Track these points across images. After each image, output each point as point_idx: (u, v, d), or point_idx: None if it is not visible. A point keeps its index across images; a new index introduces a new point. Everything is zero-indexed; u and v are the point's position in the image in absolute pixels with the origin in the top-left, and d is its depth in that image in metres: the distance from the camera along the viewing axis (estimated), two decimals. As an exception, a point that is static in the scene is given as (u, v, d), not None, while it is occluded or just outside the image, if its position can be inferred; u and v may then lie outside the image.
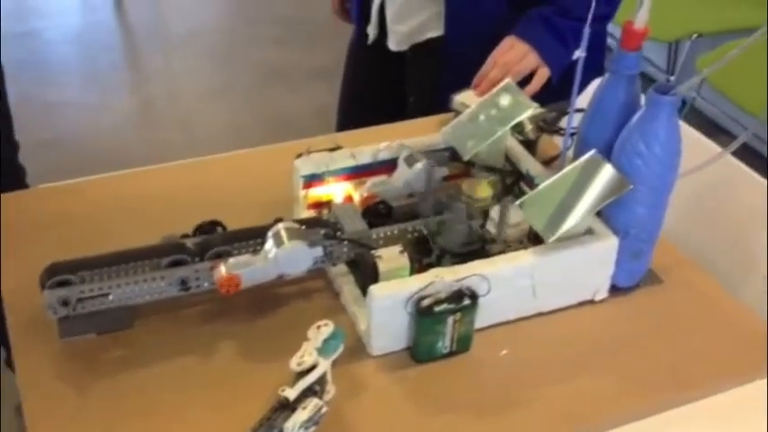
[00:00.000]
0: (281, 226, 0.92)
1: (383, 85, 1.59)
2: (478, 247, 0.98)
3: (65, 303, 0.85)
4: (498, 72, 1.25)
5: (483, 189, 1.03)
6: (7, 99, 1.56)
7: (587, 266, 0.96)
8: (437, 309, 0.87)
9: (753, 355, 0.93)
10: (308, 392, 0.79)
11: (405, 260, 0.93)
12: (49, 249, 0.91)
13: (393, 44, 1.48)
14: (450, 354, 0.91)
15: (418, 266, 0.95)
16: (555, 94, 1.20)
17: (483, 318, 0.92)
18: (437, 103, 1.29)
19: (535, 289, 0.94)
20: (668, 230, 1.02)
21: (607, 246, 0.96)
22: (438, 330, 0.88)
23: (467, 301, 0.88)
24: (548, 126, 1.18)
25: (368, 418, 0.84)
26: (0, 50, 1.55)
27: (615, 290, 1.00)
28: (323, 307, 0.96)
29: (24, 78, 3.01)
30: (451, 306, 0.87)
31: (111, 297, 0.87)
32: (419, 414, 0.85)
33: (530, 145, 1.14)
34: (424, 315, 0.87)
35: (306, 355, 0.80)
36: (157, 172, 1.21)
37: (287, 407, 0.77)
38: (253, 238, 0.94)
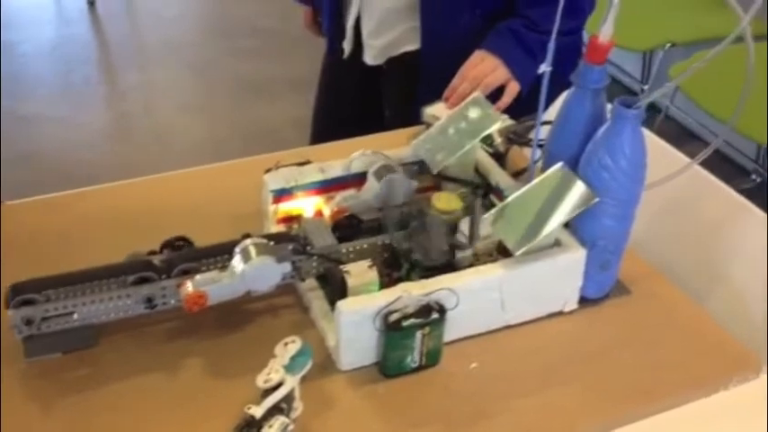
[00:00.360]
0: (248, 242, 0.91)
1: (359, 99, 1.59)
2: (448, 261, 0.98)
3: (29, 323, 0.85)
4: (468, 85, 1.26)
5: (452, 202, 1.03)
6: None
7: (556, 278, 0.97)
8: (405, 323, 0.87)
9: (718, 365, 0.94)
10: (275, 410, 0.78)
11: (373, 275, 0.92)
12: (17, 267, 0.91)
13: (369, 58, 1.48)
14: (420, 368, 0.91)
15: (388, 280, 0.95)
16: (526, 107, 1.20)
17: (452, 331, 0.92)
18: (414, 117, 1.29)
19: (504, 302, 0.95)
20: (636, 241, 1.02)
21: (575, 257, 0.96)
22: (407, 345, 0.88)
23: (435, 315, 0.88)
24: (518, 138, 1.19)
25: (336, 434, 0.84)
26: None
27: (584, 301, 1.01)
28: (292, 322, 0.95)
29: (-3, 92, 2.99)
30: (420, 320, 0.87)
31: (75, 316, 0.86)
32: (388, 429, 0.85)
33: (500, 157, 1.15)
34: (393, 330, 0.87)
35: (273, 372, 0.80)
36: (128, 187, 1.20)
37: (253, 425, 0.77)
38: (221, 254, 0.93)
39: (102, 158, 2.74)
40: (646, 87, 2.91)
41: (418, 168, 1.11)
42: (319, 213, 1.06)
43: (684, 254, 1.13)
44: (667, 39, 2.52)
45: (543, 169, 1.03)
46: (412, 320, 0.87)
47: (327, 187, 1.07)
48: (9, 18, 3.57)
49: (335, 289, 0.92)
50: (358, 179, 1.08)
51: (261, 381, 0.79)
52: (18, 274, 0.88)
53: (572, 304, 1.00)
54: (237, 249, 0.91)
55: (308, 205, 1.06)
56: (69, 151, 2.77)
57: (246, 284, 0.90)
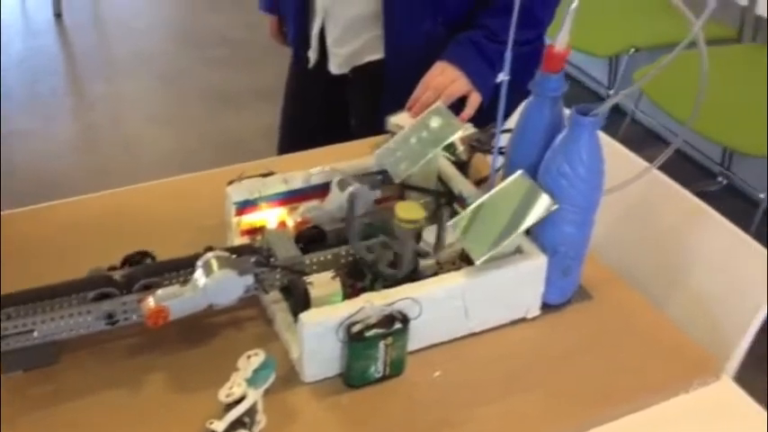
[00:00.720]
0: (210, 255, 0.91)
1: (325, 109, 1.59)
2: (412, 270, 0.99)
3: (-13, 341, 0.84)
4: (430, 95, 1.26)
5: (416, 211, 1.04)
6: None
7: (518, 285, 0.98)
8: (368, 334, 0.87)
9: (678, 369, 0.95)
10: (238, 424, 0.78)
11: (337, 285, 0.93)
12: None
13: (334, 67, 1.49)
14: (384, 378, 0.91)
15: (351, 291, 0.95)
16: (490, 116, 1.21)
17: (416, 340, 0.92)
18: (379, 126, 1.30)
19: (467, 310, 0.95)
20: (597, 246, 1.04)
21: (537, 264, 0.97)
22: (370, 355, 0.89)
23: (398, 325, 0.88)
24: (481, 146, 1.20)
25: (300, 446, 0.84)
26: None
27: (547, 307, 1.01)
28: (256, 335, 0.95)
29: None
30: (382, 330, 0.88)
31: (35, 333, 0.85)
32: (352, 440, 0.85)
33: (462, 166, 1.16)
34: (356, 340, 0.87)
35: (235, 385, 0.80)
36: (92, 201, 1.19)
37: (215, 440, 0.77)
38: (183, 268, 0.93)
39: (70, 171, 2.71)
40: (611, 92, 2.94)
41: (382, 178, 1.11)
42: (283, 224, 1.06)
43: (644, 258, 1.15)
44: (631, 44, 2.55)
45: (504, 177, 1.03)
46: (375, 331, 0.87)
47: (291, 198, 1.07)
48: (-26, 30, 3.54)
49: (299, 300, 0.92)
50: (321, 190, 1.08)
51: (223, 395, 0.79)
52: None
53: (534, 311, 1.01)
54: (199, 263, 0.90)
55: (271, 216, 1.06)
56: (37, 164, 2.75)
57: (209, 298, 0.89)
